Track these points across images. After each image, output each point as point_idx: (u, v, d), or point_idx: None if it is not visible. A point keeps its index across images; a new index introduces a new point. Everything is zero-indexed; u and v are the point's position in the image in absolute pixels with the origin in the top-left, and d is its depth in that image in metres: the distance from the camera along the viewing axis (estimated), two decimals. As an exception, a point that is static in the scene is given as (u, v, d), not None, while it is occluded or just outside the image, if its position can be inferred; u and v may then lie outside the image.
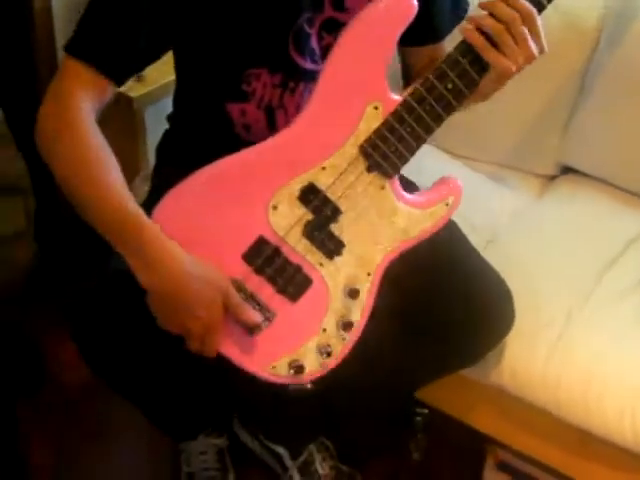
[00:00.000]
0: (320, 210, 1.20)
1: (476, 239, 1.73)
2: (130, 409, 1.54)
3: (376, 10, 1.16)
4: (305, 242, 1.20)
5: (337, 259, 1.21)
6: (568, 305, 1.55)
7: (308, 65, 1.32)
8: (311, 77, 1.32)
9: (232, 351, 1.19)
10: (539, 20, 1.17)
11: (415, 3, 1.15)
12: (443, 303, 1.35)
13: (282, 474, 1.73)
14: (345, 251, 1.21)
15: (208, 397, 1.61)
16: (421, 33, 1.30)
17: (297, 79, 1.32)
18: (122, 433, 1.86)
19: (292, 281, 1.21)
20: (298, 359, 1.22)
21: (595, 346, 1.48)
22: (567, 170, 2.00)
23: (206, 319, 1.12)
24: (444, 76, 1.17)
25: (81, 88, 1.18)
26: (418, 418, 1.58)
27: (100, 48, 1.19)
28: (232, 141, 1.35)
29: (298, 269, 1.21)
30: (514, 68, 1.17)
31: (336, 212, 1.20)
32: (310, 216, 1.20)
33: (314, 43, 1.31)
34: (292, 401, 1.70)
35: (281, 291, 1.21)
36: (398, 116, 1.17)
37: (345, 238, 1.21)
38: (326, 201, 1.20)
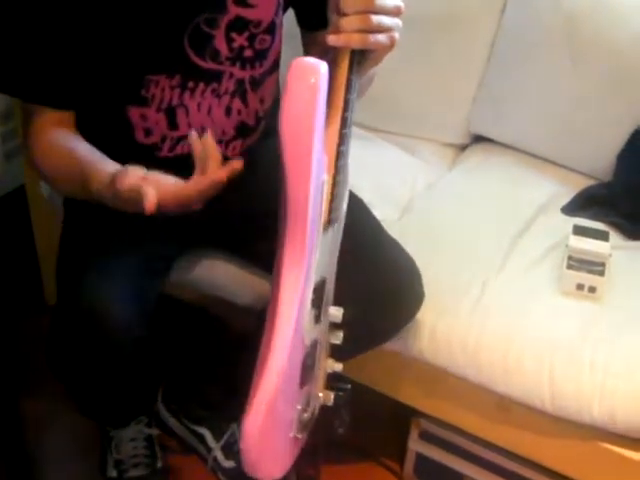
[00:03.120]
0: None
1: (391, 211, 1.74)
2: (54, 401, 1.65)
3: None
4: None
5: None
6: (483, 273, 1.56)
7: (208, 65, 1.31)
8: (213, 76, 1.32)
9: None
10: None
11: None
12: (350, 284, 1.33)
13: (206, 455, 1.72)
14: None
15: (138, 383, 1.59)
16: (314, 20, 1.27)
17: (196, 79, 1.32)
18: (47, 422, 1.85)
19: None
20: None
21: (511, 311, 1.50)
22: (479, 139, 2.02)
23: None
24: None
25: (43, 122, 1.30)
26: (340, 393, 1.58)
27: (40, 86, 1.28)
28: (131, 146, 1.36)
29: None
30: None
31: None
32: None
33: (219, 44, 1.30)
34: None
35: None
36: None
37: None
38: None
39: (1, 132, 2.23)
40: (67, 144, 1.28)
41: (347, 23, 1.04)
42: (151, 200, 1.02)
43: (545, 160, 1.91)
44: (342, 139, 1.09)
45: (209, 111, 1.36)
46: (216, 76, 1.33)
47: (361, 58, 1.09)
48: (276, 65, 1.42)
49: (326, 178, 1.09)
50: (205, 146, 1.06)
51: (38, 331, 1.90)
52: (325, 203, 1.11)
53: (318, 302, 1.17)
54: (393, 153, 1.98)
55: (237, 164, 1.04)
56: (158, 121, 1.34)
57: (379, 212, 1.57)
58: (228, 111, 1.38)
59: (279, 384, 1.11)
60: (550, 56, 1.83)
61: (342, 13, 1.04)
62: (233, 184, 1.21)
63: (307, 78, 0.99)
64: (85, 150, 1.26)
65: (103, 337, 1.31)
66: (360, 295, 1.37)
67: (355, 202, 1.50)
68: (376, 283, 1.39)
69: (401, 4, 1.09)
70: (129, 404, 1.62)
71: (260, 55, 1.36)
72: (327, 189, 1.10)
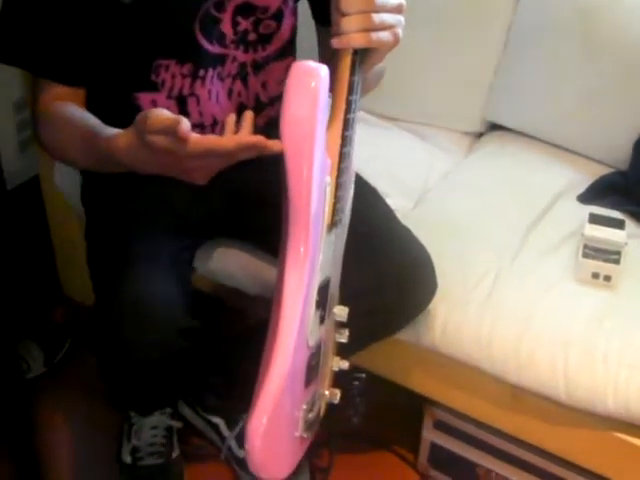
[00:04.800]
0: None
1: (406, 200, 1.74)
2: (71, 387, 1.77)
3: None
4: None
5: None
6: (497, 262, 1.55)
7: (215, 49, 1.32)
8: (217, 60, 1.33)
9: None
10: None
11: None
12: (363, 273, 1.35)
13: (221, 445, 1.73)
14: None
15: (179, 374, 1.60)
16: (327, 13, 1.27)
17: (205, 65, 1.32)
18: (64, 409, 1.88)
19: None
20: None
21: (525, 301, 1.49)
22: (494, 127, 2.01)
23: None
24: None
25: (52, 96, 1.30)
26: (355, 382, 1.58)
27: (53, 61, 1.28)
28: None
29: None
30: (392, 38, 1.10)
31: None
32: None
33: (225, 28, 1.31)
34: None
35: None
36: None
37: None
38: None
39: (16, 121, 2.24)
40: (77, 113, 1.28)
41: (348, 23, 1.04)
42: (186, 125, 1.00)
43: (561, 148, 1.90)
44: (345, 141, 1.09)
45: (217, 98, 1.36)
46: (221, 59, 1.34)
47: (363, 57, 1.08)
48: (284, 53, 1.42)
49: (329, 180, 1.09)
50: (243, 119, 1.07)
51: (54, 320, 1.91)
52: (329, 205, 1.10)
53: (323, 303, 1.17)
54: (409, 141, 1.97)
55: (276, 144, 1.03)
56: (169, 108, 1.32)
57: (393, 201, 1.57)
58: (230, 93, 1.38)
59: (282, 387, 1.11)
60: (566, 43, 1.81)
61: (343, 13, 1.04)
62: (248, 164, 1.24)
63: (307, 82, 0.99)
64: (95, 119, 1.26)
65: (152, 329, 1.30)
66: (372, 284, 1.38)
67: (368, 191, 1.51)
68: (388, 273, 1.39)
69: (403, 1, 1.08)
70: (164, 394, 1.63)
71: (263, 39, 1.36)
72: (330, 191, 1.10)
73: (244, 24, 1.32)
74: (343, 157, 1.10)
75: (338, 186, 1.11)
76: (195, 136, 1.02)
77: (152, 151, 1.06)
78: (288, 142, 1.00)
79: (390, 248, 1.41)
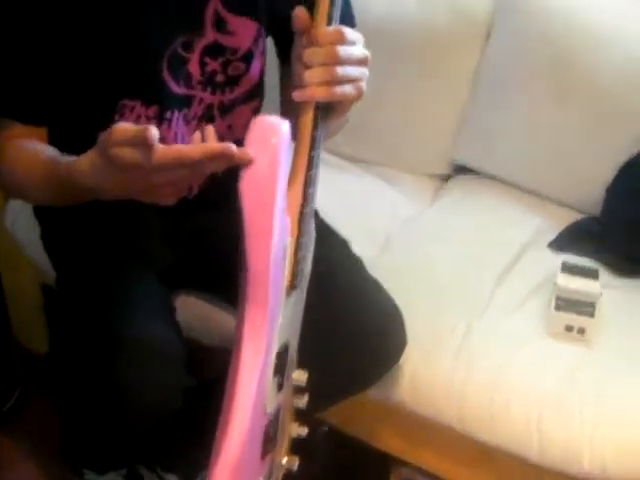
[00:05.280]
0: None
1: (371, 247, 1.70)
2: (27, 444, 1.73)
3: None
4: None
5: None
6: (467, 315, 1.51)
7: (182, 90, 1.28)
8: (183, 102, 1.29)
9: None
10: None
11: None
12: (331, 328, 1.31)
13: (177, 505, 1.65)
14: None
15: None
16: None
17: (171, 107, 1.28)
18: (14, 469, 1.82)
19: None
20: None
21: (497, 357, 1.45)
22: (461, 169, 1.98)
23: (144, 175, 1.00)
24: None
25: (12, 133, 1.25)
26: (318, 437, 1.53)
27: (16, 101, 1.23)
28: None
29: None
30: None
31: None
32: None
33: (193, 68, 1.27)
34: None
35: None
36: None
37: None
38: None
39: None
40: (37, 147, 1.23)
41: (311, 75, 1.01)
42: (153, 132, 0.93)
43: (531, 193, 1.87)
44: (306, 199, 1.05)
45: (183, 141, 1.32)
46: (187, 101, 1.30)
47: (326, 110, 1.05)
48: (251, 96, 1.38)
49: (289, 241, 1.04)
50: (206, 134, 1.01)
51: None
52: (288, 267, 1.06)
53: (281, 369, 1.12)
54: (373, 185, 1.93)
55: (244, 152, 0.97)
56: None
57: (358, 248, 1.51)
58: None
59: (238, 461, 1.06)
60: (535, 86, 1.80)
61: (305, 65, 1.01)
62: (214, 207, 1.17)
63: (268, 138, 0.95)
64: (55, 150, 1.21)
65: (156, 383, 1.22)
66: (341, 339, 1.33)
67: (338, 243, 1.48)
68: (358, 328, 1.34)
69: (368, 53, 1.05)
70: (134, 452, 1.53)
71: (231, 81, 1.33)
72: (290, 253, 1.05)
73: (212, 65, 1.29)
74: (304, 217, 1.05)
75: (299, 247, 1.06)
76: (161, 146, 0.97)
77: (117, 167, 0.99)
78: (247, 200, 0.96)
79: (359, 303, 1.37)
